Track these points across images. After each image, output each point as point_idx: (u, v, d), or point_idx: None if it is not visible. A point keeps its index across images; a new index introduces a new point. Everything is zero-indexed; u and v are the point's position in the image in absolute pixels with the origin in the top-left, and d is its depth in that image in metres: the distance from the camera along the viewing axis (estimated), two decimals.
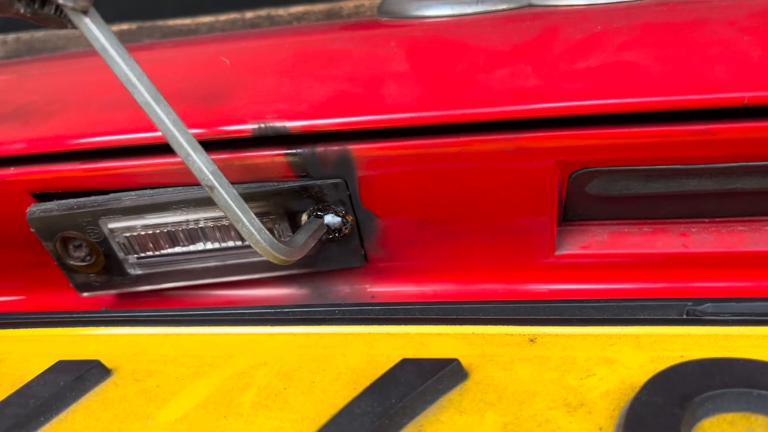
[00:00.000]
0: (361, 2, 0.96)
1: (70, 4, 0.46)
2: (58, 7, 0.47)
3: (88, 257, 0.67)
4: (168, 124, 0.50)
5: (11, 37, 1.09)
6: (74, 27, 0.48)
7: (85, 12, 0.47)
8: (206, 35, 0.94)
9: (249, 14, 1.00)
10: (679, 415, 0.43)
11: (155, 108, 0.50)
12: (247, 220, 0.52)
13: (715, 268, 0.61)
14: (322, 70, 0.62)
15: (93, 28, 0.47)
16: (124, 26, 1.04)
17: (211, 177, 0.51)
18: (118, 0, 1.13)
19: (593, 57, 0.57)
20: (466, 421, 0.47)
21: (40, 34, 1.07)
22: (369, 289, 0.70)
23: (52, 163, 0.63)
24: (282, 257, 0.53)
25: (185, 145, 0.50)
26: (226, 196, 0.51)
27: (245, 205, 0.52)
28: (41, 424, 0.51)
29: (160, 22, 1.04)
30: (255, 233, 0.52)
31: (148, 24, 1.03)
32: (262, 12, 0.99)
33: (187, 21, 1.02)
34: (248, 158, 0.59)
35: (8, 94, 0.71)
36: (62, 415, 0.52)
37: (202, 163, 0.50)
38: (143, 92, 0.49)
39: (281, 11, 0.99)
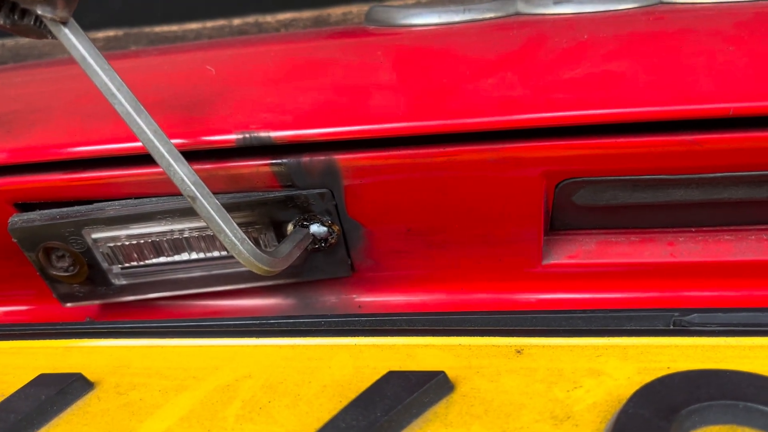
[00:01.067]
0: (348, 9, 0.96)
1: (50, 15, 0.45)
2: (37, 18, 0.46)
3: (71, 267, 0.66)
4: (149, 135, 0.49)
5: None
6: (54, 38, 0.47)
7: (64, 23, 0.46)
8: (192, 42, 0.94)
9: (236, 21, 0.99)
10: (666, 428, 0.42)
11: (136, 118, 0.49)
12: (229, 231, 0.51)
13: (702, 277, 0.61)
14: (308, 80, 0.62)
15: (72, 39, 0.47)
16: (111, 33, 1.03)
17: (192, 187, 0.50)
18: (105, 6, 1.13)
19: (580, 67, 0.57)
20: None
21: (25, 41, 1.06)
22: (356, 299, 0.70)
23: (34, 173, 0.62)
24: (266, 267, 0.53)
25: (166, 155, 0.50)
26: (208, 206, 0.51)
27: (227, 216, 0.51)
28: None
29: (147, 29, 1.03)
30: (237, 244, 0.51)
31: (135, 30, 1.03)
32: (250, 19, 0.99)
33: (174, 28, 1.02)
34: (233, 168, 0.58)
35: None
36: (44, 430, 0.51)
37: (183, 174, 0.50)
38: (123, 102, 0.49)
39: (269, 18, 0.99)
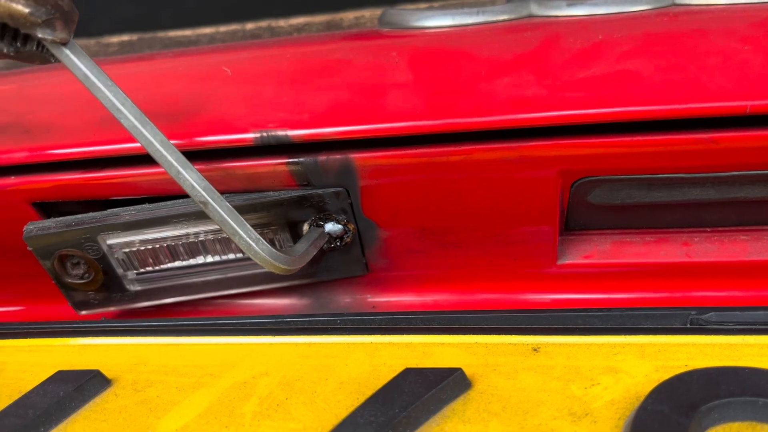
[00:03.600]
0: (361, 14, 0.97)
1: (50, 38, 0.47)
2: (39, 42, 0.48)
3: (87, 274, 0.66)
4: (156, 145, 0.50)
5: None
6: (57, 60, 0.49)
7: (65, 44, 0.48)
8: (207, 46, 0.95)
9: (250, 25, 1.00)
10: (685, 425, 0.42)
11: (142, 131, 0.50)
12: (243, 232, 0.52)
13: (718, 277, 0.61)
14: (324, 80, 0.62)
15: (74, 59, 0.49)
16: (125, 37, 1.04)
17: (203, 192, 0.51)
18: (118, 11, 1.14)
19: (595, 66, 0.58)
20: (470, 431, 0.47)
21: None
22: (370, 299, 0.70)
23: (52, 173, 0.63)
24: (283, 266, 0.53)
25: (175, 163, 0.51)
26: (220, 210, 0.51)
27: (240, 218, 0.52)
28: None
29: (161, 34, 1.04)
30: (253, 244, 0.52)
31: (148, 35, 1.04)
32: (263, 23, 1.00)
33: (187, 32, 1.03)
34: (250, 167, 0.59)
35: (10, 104, 0.71)
36: (62, 426, 0.52)
37: (192, 180, 0.51)
38: (129, 116, 0.50)
39: (282, 22, 0.99)
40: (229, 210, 0.51)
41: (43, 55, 0.49)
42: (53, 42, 0.48)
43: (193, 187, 0.51)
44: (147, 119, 0.51)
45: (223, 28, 1.02)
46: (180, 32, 1.03)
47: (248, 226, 0.52)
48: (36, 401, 0.53)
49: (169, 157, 0.51)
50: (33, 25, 0.46)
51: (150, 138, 0.50)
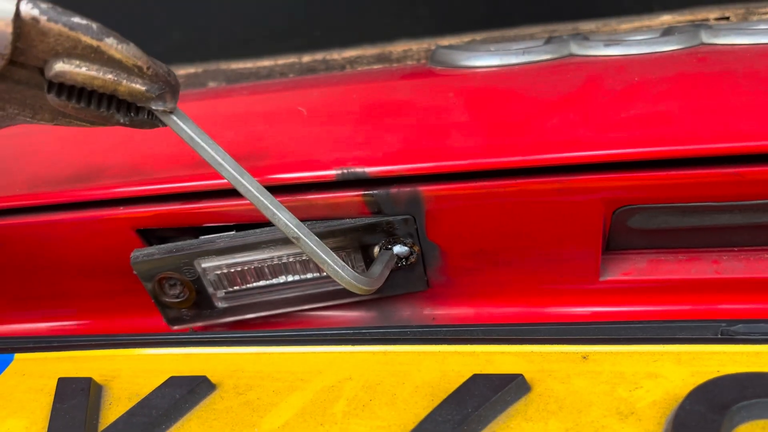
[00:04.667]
0: (408, 47, 1.05)
1: (161, 108, 0.55)
2: (149, 112, 0.56)
3: (182, 294, 0.75)
4: (254, 192, 0.59)
5: None
6: (164, 125, 0.57)
7: (171, 112, 0.56)
8: (274, 81, 1.04)
9: (306, 58, 1.09)
10: (719, 421, 0.50)
11: (241, 181, 0.58)
12: (331, 261, 0.60)
13: (746, 292, 0.68)
14: (391, 119, 0.71)
15: (181, 124, 0.57)
16: (191, 69, 1.14)
17: (295, 230, 0.59)
18: (182, 45, 1.24)
19: (633, 106, 0.65)
20: (532, 427, 0.55)
21: None
22: (429, 312, 0.78)
23: (154, 204, 0.72)
24: (365, 288, 0.62)
25: (270, 206, 0.59)
26: (311, 243, 0.60)
27: (327, 248, 0.60)
28: (163, 431, 0.60)
29: (224, 66, 1.13)
30: (339, 270, 0.60)
31: (212, 67, 1.13)
32: (318, 56, 1.09)
33: (248, 64, 1.12)
34: (330, 199, 0.67)
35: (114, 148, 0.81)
36: (179, 424, 0.61)
37: (286, 220, 0.59)
38: (229, 170, 0.58)
39: (335, 55, 1.08)
40: (318, 242, 0.60)
41: (152, 122, 0.58)
42: (164, 112, 0.56)
43: (287, 225, 0.59)
44: (244, 171, 0.59)
45: (281, 61, 1.11)
46: (242, 64, 1.12)
47: (334, 255, 0.60)
48: (156, 402, 0.62)
49: (266, 201, 0.59)
50: (148, 99, 0.54)
51: (248, 186, 0.59)
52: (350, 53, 1.07)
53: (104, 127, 0.58)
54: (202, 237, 0.73)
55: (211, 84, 1.13)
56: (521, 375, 0.58)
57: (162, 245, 0.73)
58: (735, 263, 0.69)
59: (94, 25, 0.50)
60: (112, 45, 0.51)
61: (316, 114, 0.75)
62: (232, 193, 0.70)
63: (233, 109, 0.81)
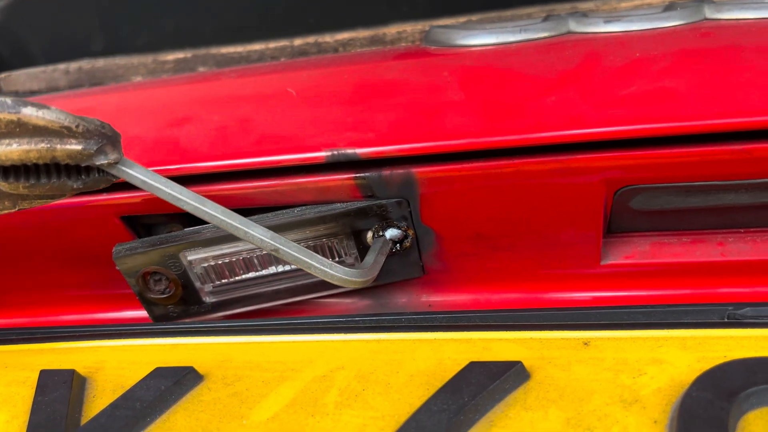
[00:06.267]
0: (403, 28, 1.02)
1: (106, 162, 0.55)
2: (98, 169, 0.56)
3: (168, 289, 0.72)
4: (221, 217, 0.58)
5: (74, 66, 1.16)
6: (117, 178, 0.57)
7: (118, 162, 0.55)
8: (264, 64, 1.01)
9: (297, 41, 1.06)
10: (727, 409, 0.48)
11: (205, 210, 0.58)
12: (317, 263, 0.59)
13: (753, 274, 0.66)
14: (383, 99, 0.68)
15: (131, 171, 0.57)
16: (180, 54, 1.11)
17: (272, 242, 0.58)
18: (163, 25, 1.22)
19: (634, 82, 0.63)
20: (531, 416, 0.52)
21: (101, 63, 1.15)
22: (425, 299, 0.76)
23: (137, 189, 0.69)
24: (359, 280, 0.59)
25: (240, 226, 0.58)
26: (291, 251, 0.58)
27: (309, 252, 0.59)
28: (148, 424, 0.58)
29: (214, 50, 1.10)
30: (329, 270, 0.59)
31: (202, 52, 1.10)
32: (310, 39, 1.06)
33: (239, 49, 1.09)
34: (321, 182, 0.65)
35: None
36: (165, 416, 0.58)
37: (260, 235, 0.58)
38: (190, 201, 0.58)
39: (328, 38, 1.05)
40: (298, 248, 0.59)
41: (105, 178, 0.57)
42: (109, 164, 0.55)
43: (262, 240, 0.58)
44: (205, 199, 0.58)
45: (272, 45, 1.08)
46: (232, 49, 1.10)
47: (318, 256, 0.59)
48: (141, 394, 0.59)
49: (234, 223, 0.58)
50: (89, 156, 0.53)
51: (212, 212, 0.58)
52: (343, 36, 1.04)
53: (63, 198, 0.58)
54: (188, 228, 0.70)
55: (201, 69, 1.10)
56: (520, 362, 0.56)
57: (146, 238, 0.70)
58: (741, 245, 0.67)
59: (8, 100, 0.51)
60: (31, 114, 0.51)
61: (305, 95, 0.72)
62: (217, 177, 0.68)
63: (220, 92, 0.78)
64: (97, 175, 0.56)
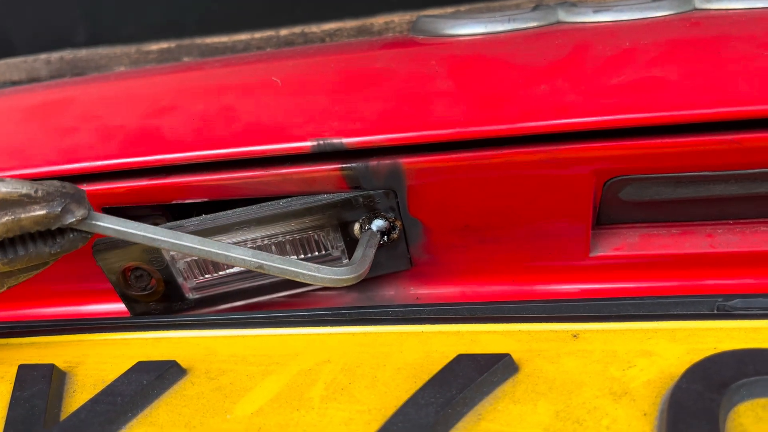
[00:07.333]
0: (390, 19, 1.01)
1: (74, 220, 0.54)
2: (69, 229, 0.56)
3: (150, 286, 0.71)
4: (200, 247, 0.58)
5: (55, 56, 1.14)
6: (91, 233, 0.57)
7: (86, 217, 0.55)
8: (250, 54, 0.99)
9: (284, 32, 1.05)
10: (718, 401, 0.47)
11: (182, 243, 0.58)
12: (304, 270, 0.58)
13: (742, 266, 0.66)
14: (370, 89, 0.67)
15: (102, 223, 0.57)
16: (164, 45, 1.09)
17: (255, 259, 0.58)
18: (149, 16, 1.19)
19: (624, 72, 0.62)
20: (520, 410, 0.52)
21: (83, 53, 1.13)
22: (413, 291, 0.75)
23: (121, 180, 0.68)
24: (350, 278, 0.59)
25: (220, 251, 0.58)
26: (275, 263, 0.58)
27: (294, 260, 0.59)
28: (129, 419, 0.56)
29: (198, 40, 1.09)
30: (317, 274, 0.58)
31: (186, 42, 1.09)
32: (297, 29, 1.04)
33: (224, 39, 1.07)
34: (306, 173, 0.64)
35: (71, 115, 0.76)
36: (147, 411, 0.57)
37: (241, 255, 0.58)
38: (166, 239, 0.58)
39: (314, 28, 1.04)
40: (282, 260, 0.59)
41: (79, 237, 0.57)
42: (79, 221, 0.55)
43: (244, 260, 0.58)
44: (180, 233, 0.58)
45: (258, 35, 1.06)
46: (217, 39, 1.08)
47: (303, 263, 0.59)
48: (122, 389, 0.58)
49: (214, 249, 0.58)
50: (56, 218, 0.53)
51: (190, 244, 0.58)
52: (330, 26, 1.03)
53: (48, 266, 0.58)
54: (171, 222, 0.69)
55: (186, 59, 1.08)
56: (508, 355, 0.55)
57: None
58: (730, 236, 0.66)
59: None
60: None
61: (291, 84, 0.71)
62: (200, 167, 0.66)
63: (204, 81, 0.77)
64: (71, 235, 0.56)
